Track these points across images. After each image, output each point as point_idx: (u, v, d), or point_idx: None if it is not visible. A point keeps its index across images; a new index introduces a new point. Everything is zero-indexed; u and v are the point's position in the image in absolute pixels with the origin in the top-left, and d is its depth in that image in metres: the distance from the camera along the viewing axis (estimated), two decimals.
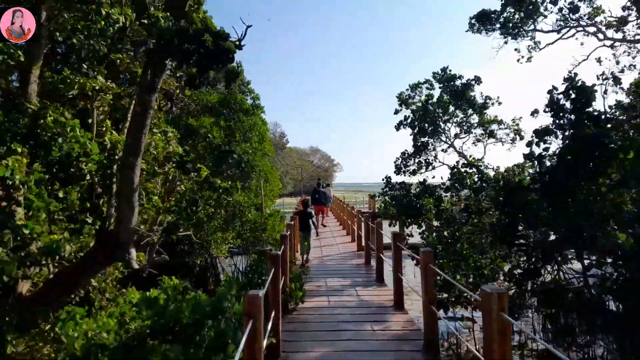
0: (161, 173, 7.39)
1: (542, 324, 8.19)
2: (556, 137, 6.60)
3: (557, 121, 6.56)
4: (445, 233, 9.63)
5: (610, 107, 6.38)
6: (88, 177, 7.00)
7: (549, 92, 6.77)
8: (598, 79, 7.67)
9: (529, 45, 13.25)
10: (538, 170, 7.02)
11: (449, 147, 11.18)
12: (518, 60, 11.95)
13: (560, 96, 6.68)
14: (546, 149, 6.75)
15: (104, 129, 7.39)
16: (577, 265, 7.35)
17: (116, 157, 6.96)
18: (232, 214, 14.86)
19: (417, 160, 11.03)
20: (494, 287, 2.96)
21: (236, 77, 4.80)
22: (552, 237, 7.19)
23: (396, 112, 11.59)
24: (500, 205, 7.04)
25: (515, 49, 12.33)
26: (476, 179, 9.16)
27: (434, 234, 10.59)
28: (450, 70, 10.41)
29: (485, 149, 11.07)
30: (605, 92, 7.32)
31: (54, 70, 7.80)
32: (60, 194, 6.43)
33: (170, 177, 6.98)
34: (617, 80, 8.72)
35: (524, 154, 7.36)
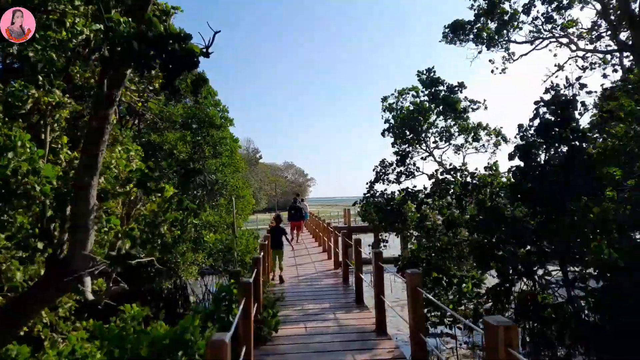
0: (122, 193, 6.80)
1: (521, 337, 8.04)
2: (542, 152, 6.47)
3: (541, 136, 6.45)
4: (426, 244, 9.39)
5: (592, 116, 6.31)
6: (39, 198, 6.36)
7: (536, 103, 6.67)
8: (566, 86, 7.71)
9: (503, 57, 13.51)
10: (522, 184, 6.87)
11: (428, 156, 11.01)
12: (492, 72, 12.01)
13: (543, 109, 6.61)
14: (529, 165, 6.61)
15: (60, 147, 6.77)
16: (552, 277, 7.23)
17: (71, 176, 6.36)
18: (201, 232, 14.21)
19: (397, 169, 10.80)
20: (500, 319, 2.53)
21: (204, 83, 4.40)
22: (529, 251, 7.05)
23: (386, 121, 11.41)
24: (479, 226, 6.83)
25: (490, 60, 12.49)
26: (460, 186, 8.97)
27: (412, 242, 10.31)
28: (434, 72, 10.32)
29: (464, 158, 10.96)
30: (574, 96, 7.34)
31: (5, 82, 7.16)
32: (5, 217, 5.78)
33: (132, 198, 6.41)
34: (582, 86, 8.87)
35: (509, 169, 7.24)
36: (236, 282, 9.00)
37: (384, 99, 11.55)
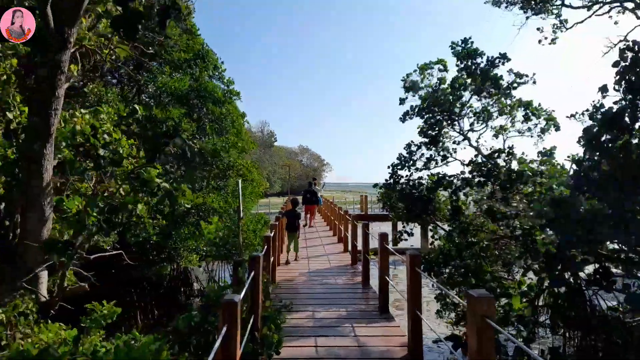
0: (91, 167, 5.45)
1: (563, 344, 6.66)
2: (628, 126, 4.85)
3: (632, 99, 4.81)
4: (457, 239, 7.89)
5: None
6: None
7: (617, 62, 5.01)
8: None
9: (554, 24, 11.65)
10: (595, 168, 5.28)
11: (462, 140, 9.37)
12: (540, 42, 10.24)
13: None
14: (612, 138, 5.00)
15: (12, 106, 5.41)
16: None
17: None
18: (205, 218, 12.94)
19: (426, 154, 9.22)
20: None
21: (175, 13, 3.17)
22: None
23: (402, 101, 9.70)
24: (551, 223, 5.28)
25: (538, 29, 10.68)
26: (505, 173, 7.42)
27: (439, 235, 8.82)
28: (472, 42, 8.54)
29: (504, 143, 9.31)
30: None
31: None
32: None
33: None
34: None
35: (572, 159, 5.66)
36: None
37: (406, 77, 9.87)
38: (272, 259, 7.17)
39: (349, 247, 11.27)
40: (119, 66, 10.53)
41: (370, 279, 7.91)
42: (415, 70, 9.41)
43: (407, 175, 8.96)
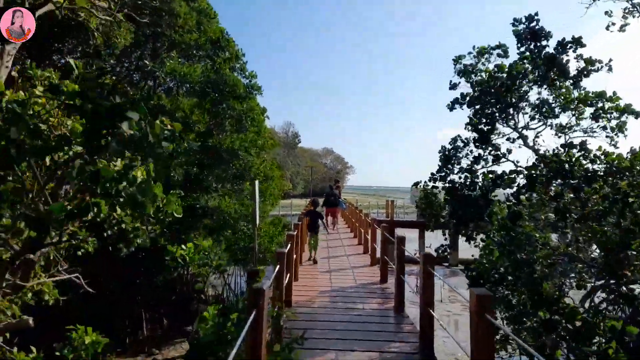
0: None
1: None
2: None
3: None
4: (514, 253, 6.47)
5: None
6: None
7: None
8: None
9: (625, 8, 9.95)
10: None
11: (517, 138, 7.91)
12: (607, 28, 8.67)
13: None
14: None
15: None
16: None
17: None
18: (220, 223, 11.87)
19: (474, 151, 7.81)
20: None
21: None
22: None
23: (453, 86, 8.31)
24: None
25: (606, 12, 9.08)
26: (580, 172, 5.97)
27: (490, 247, 7.39)
28: (538, 21, 7.08)
29: (566, 141, 7.80)
30: None
31: None
32: None
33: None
34: None
35: None
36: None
37: (457, 59, 8.47)
38: (287, 278, 5.93)
39: (377, 258, 9.95)
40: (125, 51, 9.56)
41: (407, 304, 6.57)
42: (470, 53, 8.02)
43: (458, 175, 7.59)
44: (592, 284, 6.25)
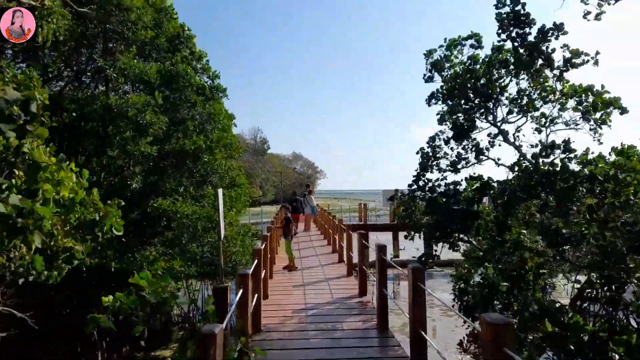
0: None
1: None
2: None
3: None
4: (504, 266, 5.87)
5: None
6: None
7: None
8: None
9: None
10: None
11: (497, 135, 7.37)
12: (585, 17, 8.33)
13: None
14: None
15: None
16: None
17: None
18: (182, 233, 10.81)
19: (452, 151, 7.21)
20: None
21: None
22: None
23: (428, 79, 7.68)
24: None
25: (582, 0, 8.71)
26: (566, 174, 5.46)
27: (489, 269, 6.77)
28: (524, 4, 6.51)
29: (547, 138, 7.34)
30: None
31: None
32: None
33: None
34: None
35: None
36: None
37: (428, 53, 7.90)
38: (254, 300, 5.07)
39: (353, 265, 9.22)
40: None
41: (390, 318, 5.83)
42: (441, 46, 7.42)
43: (435, 180, 6.93)
44: (580, 284, 5.77)
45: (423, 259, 7.14)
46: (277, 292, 7.86)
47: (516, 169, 6.68)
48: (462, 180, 6.77)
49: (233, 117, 13.28)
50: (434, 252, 7.12)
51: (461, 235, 6.59)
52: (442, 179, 7.02)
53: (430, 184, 6.97)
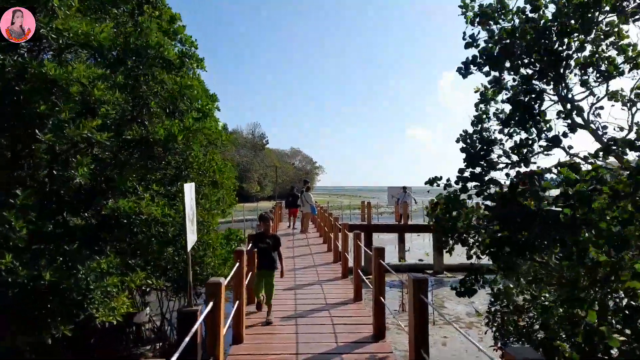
0: None
1: None
2: None
3: None
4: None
5: None
6: None
7: None
8: None
9: None
10: None
11: (569, 113, 5.20)
12: None
13: None
14: None
15: None
16: None
17: None
18: (149, 238, 8.65)
19: (515, 135, 5.04)
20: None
21: None
22: None
23: (471, 40, 5.43)
24: None
25: None
26: None
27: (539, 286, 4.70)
28: None
29: (632, 117, 5.22)
30: None
31: None
32: None
33: None
34: None
35: None
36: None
37: (466, 4, 5.69)
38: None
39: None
40: None
41: None
42: None
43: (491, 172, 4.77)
44: None
45: (467, 286, 4.95)
46: (255, 335, 5.75)
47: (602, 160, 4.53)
48: (553, 166, 4.57)
49: (215, 99, 11.04)
50: (484, 278, 4.98)
51: (531, 258, 4.43)
52: (507, 169, 4.82)
53: (488, 176, 4.78)
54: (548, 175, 4.37)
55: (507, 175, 4.66)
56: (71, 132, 6.80)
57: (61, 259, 7.06)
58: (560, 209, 3.93)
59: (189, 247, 7.15)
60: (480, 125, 5.25)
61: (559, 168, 4.15)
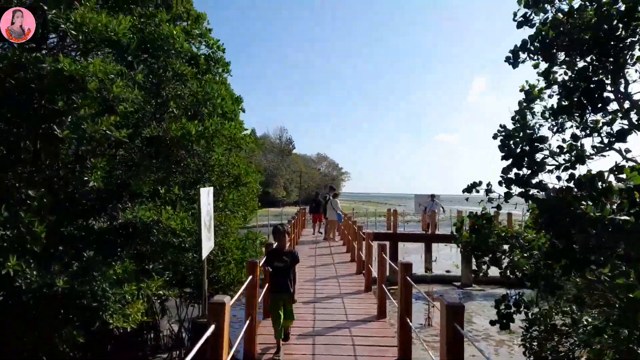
0: None
1: None
2: None
3: None
4: None
5: None
6: None
7: None
8: None
9: None
10: None
11: (628, 111, 4.47)
12: None
13: None
14: None
15: None
16: None
17: None
18: (163, 244, 8.31)
19: (570, 127, 4.39)
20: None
21: None
22: None
23: (525, 21, 4.78)
24: None
25: None
26: None
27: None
28: None
29: None
30: None
31: None
32: None
33: None
34: None
35: None
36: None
37: None
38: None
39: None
40: None
41: None
42: None
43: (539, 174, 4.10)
44: None
45: (506, 310, 4.31)
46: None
47: None
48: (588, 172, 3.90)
49: (240, 101, 10.74)
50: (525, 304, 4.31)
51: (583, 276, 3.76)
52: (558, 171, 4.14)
53: (534, 179, 4.12)
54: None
55: (558, 178, 3.99)
56: (90, 127, 6.56)
57: (77, 264, 6.80)
58: (625, 217, 3.31)
59: (204, 255, 6.79)
60: (523, 122, 4.62)
61: (615, 172, 3.49)
